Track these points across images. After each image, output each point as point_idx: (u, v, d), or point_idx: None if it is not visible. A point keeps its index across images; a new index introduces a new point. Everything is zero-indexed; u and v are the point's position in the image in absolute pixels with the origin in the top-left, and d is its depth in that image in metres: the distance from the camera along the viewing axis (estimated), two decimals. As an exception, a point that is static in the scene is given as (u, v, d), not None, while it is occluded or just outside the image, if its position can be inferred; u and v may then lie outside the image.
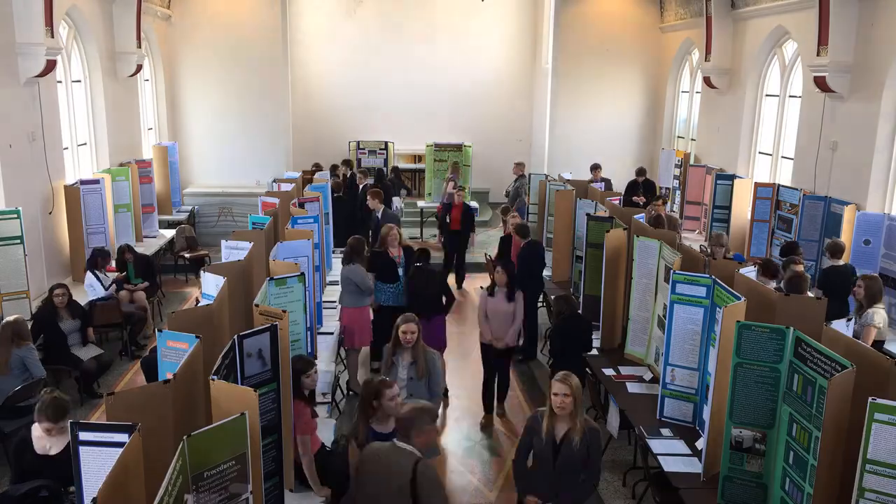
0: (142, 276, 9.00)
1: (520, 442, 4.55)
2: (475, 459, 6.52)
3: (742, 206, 10.44)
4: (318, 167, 13.20)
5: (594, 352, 6.87)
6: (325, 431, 5.14)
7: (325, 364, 6.51)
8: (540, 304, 9.07)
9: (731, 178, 10.67)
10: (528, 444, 4.43)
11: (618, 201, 9.24)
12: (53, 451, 4.33)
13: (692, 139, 13.82)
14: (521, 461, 4.49)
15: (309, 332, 5.73)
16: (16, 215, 7.52)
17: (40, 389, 6.15)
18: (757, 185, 10.16)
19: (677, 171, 12.90)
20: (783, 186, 9.72)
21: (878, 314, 6.14)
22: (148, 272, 9.12)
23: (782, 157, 10.78)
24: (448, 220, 11.11)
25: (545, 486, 4.34)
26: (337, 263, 9.74)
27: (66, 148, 9.68)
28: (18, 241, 7.54)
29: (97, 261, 8.37)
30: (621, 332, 7.04)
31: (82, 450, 3.01)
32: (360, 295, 7.31)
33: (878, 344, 6.08)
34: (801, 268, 6.75)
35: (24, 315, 6.94)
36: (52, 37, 8.37)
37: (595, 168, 12.35)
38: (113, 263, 8.90)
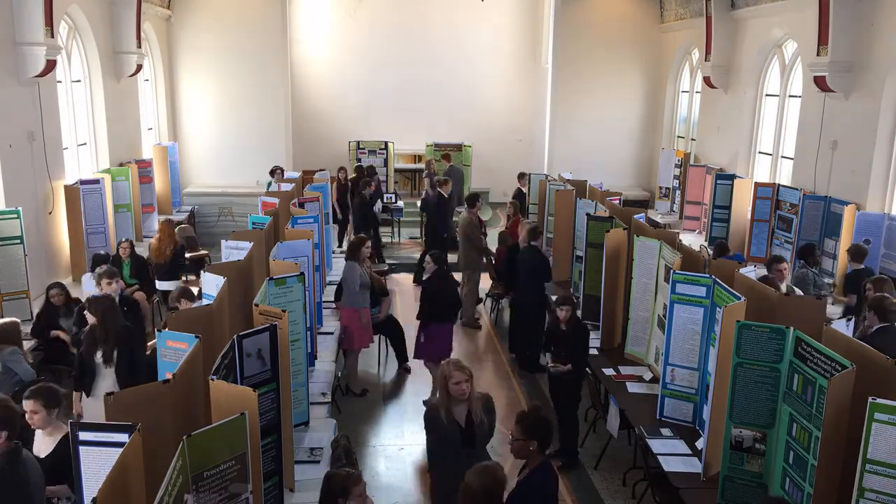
0: (136, 276, 8.97)
1: (427, 440, 4.58)
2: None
3: (742, 206, 10.44)
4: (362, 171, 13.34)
5: (594, 351, 6.88)
6: (325, 431, 5.14)
7: (325, 364, 6.51)
8: None
9: (731, 177, 10.67)
10: (435, 435, 4.46)
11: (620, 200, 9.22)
12: (42, 454, 4.27)
13: (692, 139, 13.82)
14: (433, 457, 4.58)
15: (309, 332, 5.72)
16: (16, 215, 7.51)
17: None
18: (757, 184, 10.16)
19: (677, 171, 12.89)
20: (783, 186, 9.73)
21: None
22: (142, 272, 9.10)
23: (782, 156, 10.78)
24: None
25: (452, 475, 4.07)
26: (337, 263, 9.76)
27: (66, 148, 9.67)
28: (18, 241, 7.53)
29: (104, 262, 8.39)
30: (621, 332, 7.04)
31: (82, 450, 3.01)
32: (356, 295, 7.31)
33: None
34: (783, 265, 6.81)
35: (20, 317, 6.95)
36: (52, 37, 8.37)
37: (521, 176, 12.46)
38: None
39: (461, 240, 9.99)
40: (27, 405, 4.15)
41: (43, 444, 4.25)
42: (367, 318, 7.51)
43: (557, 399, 6.58)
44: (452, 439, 4.36)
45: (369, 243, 7.79)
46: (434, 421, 4.43)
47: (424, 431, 4.61)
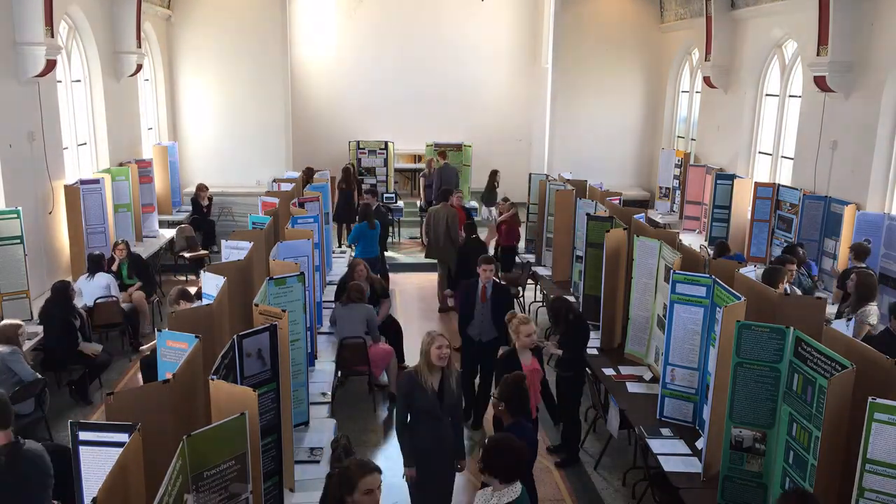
0: (136, 275, 8.98)
1: (399, 406, 4.83)
2: (474, 459, 6.51)
3: (742, 206, 10.44)
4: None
5: (594, 351, 6.87)
6: (325, 431, 5.14)
7: (325, 364, 6.51)
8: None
9: (731, 177, 10.67)
10: (409, 404, 4.74)
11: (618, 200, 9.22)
12: None
13: (692, 139, 13.82)
14: (404, 423, 4.81)
15: (309, 332, 5.72)
16: (16, 215, 7.51)
17: (39, 390, 6.16)
18: (757, 184, 10.16)
19: (677, 171, 12.90)
20: (783, 186, 9.72)
21: (873, 313, 6.31)
22: (142, 272, 9.11)
23: (782, 156, 10.78)
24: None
25: (428, 438, 4.71)
26: (337, 263, 9.77)
27: (66, 148, 9.67)
28: (18, 241, 7.53)
29: (101, 264, 8.38)
30: (621, 332, 7.03)
31: (82, 450, 3.01)
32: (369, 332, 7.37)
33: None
34: (792, 267, 6.85)
35: (19, 317, 6.95)
36: (52, 37, 8.37)
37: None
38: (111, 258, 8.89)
39: (441, 232, 10.16)
40: None
41: None
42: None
43: (560, 398, 6.57)
44: (429, 403, 4.64)
45: (363, 266, 7.91)
46: (411, 383, 4.70)
47: (397, 396, 4.87)
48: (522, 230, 11.27)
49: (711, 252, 8.46)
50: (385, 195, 13.76)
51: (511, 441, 3.67)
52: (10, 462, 3.75)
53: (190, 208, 12.95)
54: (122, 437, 2.86)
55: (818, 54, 8.70)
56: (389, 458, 6.58)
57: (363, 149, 14.99)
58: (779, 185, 9.89)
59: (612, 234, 6.94)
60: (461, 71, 16.61)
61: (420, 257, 13.00)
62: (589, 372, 6.56)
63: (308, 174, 11.80)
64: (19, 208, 7.60)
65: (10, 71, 8.00)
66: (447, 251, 10.16)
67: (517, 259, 10.83)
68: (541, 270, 9.84)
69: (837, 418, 3.65)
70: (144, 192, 11.22)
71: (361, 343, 7.17)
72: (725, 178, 10.71)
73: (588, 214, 7.83)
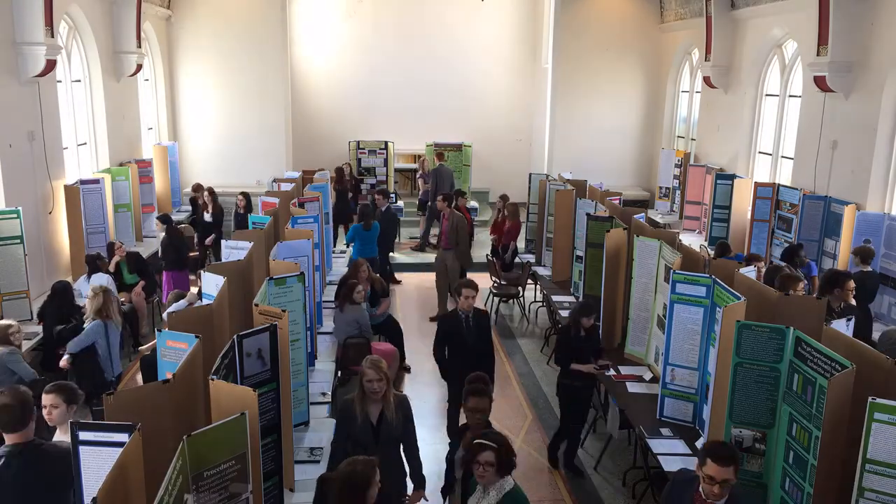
0: (136, 272, 8.98)
1: (334, 436, 4.54)
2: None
3: (742, 206, 10.44)
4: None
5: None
6: (325, 431, 5.14)
7: (325, 364, 6.51)
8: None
9: (731, 177, 10.67)
10: (346, 431, 4.41)
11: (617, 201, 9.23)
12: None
13: (692, 139, 13.82)
14: (334, 455, 4.48)
15: (309, 332, 5.72)
16: (16, 215, 7.51)
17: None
18: (757, 184, 10.16)
19: (677, 171, 12.90)
20: (783, 186, 9.73)
21: None
22: (142, 269, 9.11)
23: (782, 156, 10.78)
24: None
25: None
26: (337, 263, 9.76)
27: (66, 148, 9.67)
28: (18, 241, 7.53)
29: (97, 264, 8.36)
30: (621, 332, 7.04)
31: (82, 450, 3.01)
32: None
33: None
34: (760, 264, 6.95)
35: (20, 317, 6.95)
36: (52, 37, 8.37)
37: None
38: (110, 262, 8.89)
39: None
40: (47, 399, 4.10)
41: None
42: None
43: (568, 407, 6.35)
44: (363, 435, 4.34)
45: (366, 266, 7.83)
46: (347, 416, 4.41)
47: (335, 428, 4.56)
48: (522, 230, 11.28)
49: (712, 252, 8.46)
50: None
51: (495, 435, 3.66)
52: (28, 461, 3.74)
53: (190, 208, 12.95)
54: (122, 437, 2.86)
55: (818, 54, 8.70)
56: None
57: (363, 149, 14.98)
58: (779, 185, 9.89)
59: (612, 234, 6.94)
60: (461, 71, 16.61)
61: (420, 257, 13.03)
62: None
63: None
64: (19, 208, 7.60)
65: (10, 71, 8.00)
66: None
67: (517, 258, 10.83)
68: (541, 270, 9.84)
69: (837, 418, 3.65)
70: (144, 192, 11.22)
71: (365, 343, 7.15)
72: (725, 178, 10.71)
73: (588, 214, 7.84)
